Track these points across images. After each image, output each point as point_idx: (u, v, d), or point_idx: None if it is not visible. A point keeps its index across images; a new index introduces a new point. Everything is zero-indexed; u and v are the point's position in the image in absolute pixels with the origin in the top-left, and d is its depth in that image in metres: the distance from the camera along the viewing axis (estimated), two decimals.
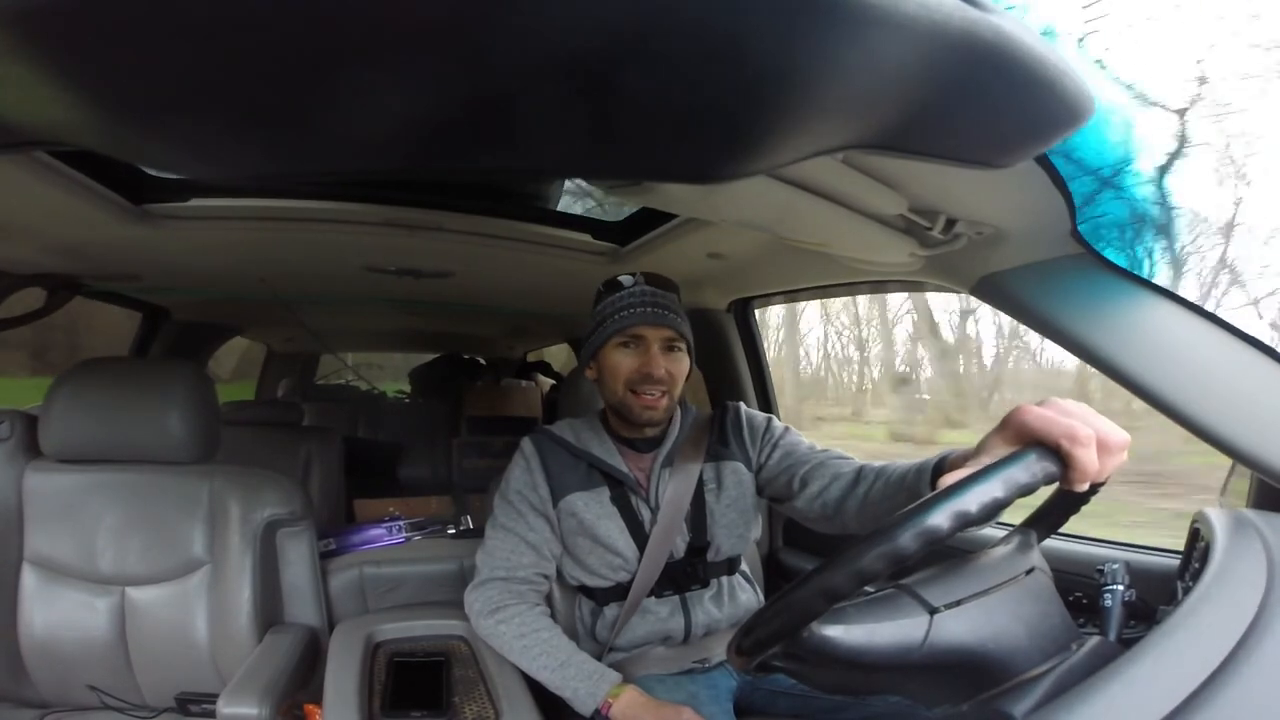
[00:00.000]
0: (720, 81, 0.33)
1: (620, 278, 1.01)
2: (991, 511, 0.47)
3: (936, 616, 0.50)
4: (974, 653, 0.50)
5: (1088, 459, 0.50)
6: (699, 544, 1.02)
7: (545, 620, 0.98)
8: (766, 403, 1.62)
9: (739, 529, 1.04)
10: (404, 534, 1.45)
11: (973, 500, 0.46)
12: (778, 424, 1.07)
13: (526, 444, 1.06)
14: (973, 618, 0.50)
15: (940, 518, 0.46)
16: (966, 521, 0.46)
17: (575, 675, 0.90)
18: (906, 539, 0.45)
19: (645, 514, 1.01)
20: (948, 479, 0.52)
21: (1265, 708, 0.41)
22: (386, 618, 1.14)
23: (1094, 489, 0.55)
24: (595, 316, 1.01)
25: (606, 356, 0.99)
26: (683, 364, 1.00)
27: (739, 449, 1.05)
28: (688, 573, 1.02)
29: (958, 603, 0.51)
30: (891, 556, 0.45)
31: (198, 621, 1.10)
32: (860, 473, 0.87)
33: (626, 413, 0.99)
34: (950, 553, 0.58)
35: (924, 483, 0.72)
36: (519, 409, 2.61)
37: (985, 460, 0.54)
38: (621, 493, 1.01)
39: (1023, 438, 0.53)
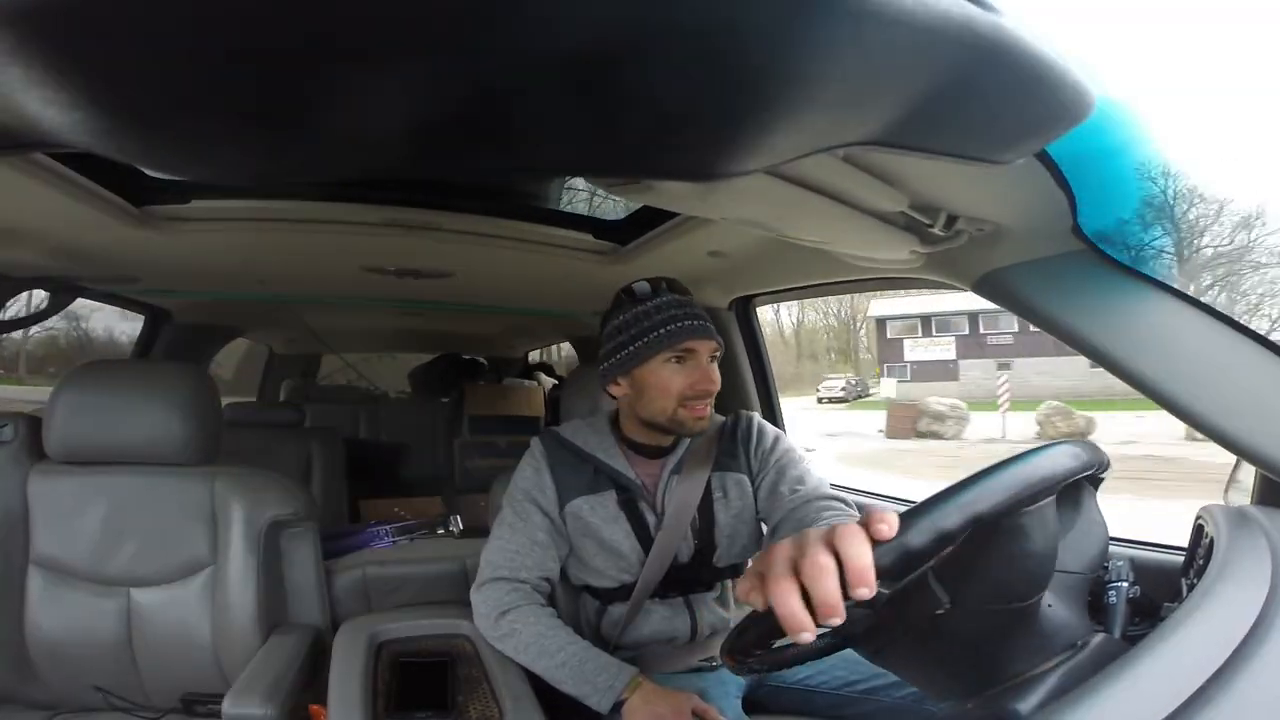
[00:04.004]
0: (720, 79, 0.33)
1: (635, 286, 0.99)
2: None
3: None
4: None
5: (782, 608, 0.45)
6: (705, 550, 1.02)
7: (557, 620, 0.98)
8: (769, 401, 1.62)
9: (745, 540, 1.04)
10: (390, 539, 1.45)
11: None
12: (784, 445, 1.06)
13: (536, 445, 1.06)
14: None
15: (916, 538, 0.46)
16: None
17: (594, 671, 0.90)
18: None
19: (651, 519, 1.01)
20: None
21: (1271, 703, 0.41)
22: (390, 618, 1.14)
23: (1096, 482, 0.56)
24: (626, 329, 0.97)
25: (653, 373, 0.96)
26: (719, 373, 1.00)
27: (745, 462, 1.05)
28: (693, 576, 1.03)
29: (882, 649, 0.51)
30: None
31: (202, 623, 1.11)
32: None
33: (678, 427, 0.97)
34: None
35: None
36: (522, 408, 2.61)
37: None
38: (628, 497, 1.01)
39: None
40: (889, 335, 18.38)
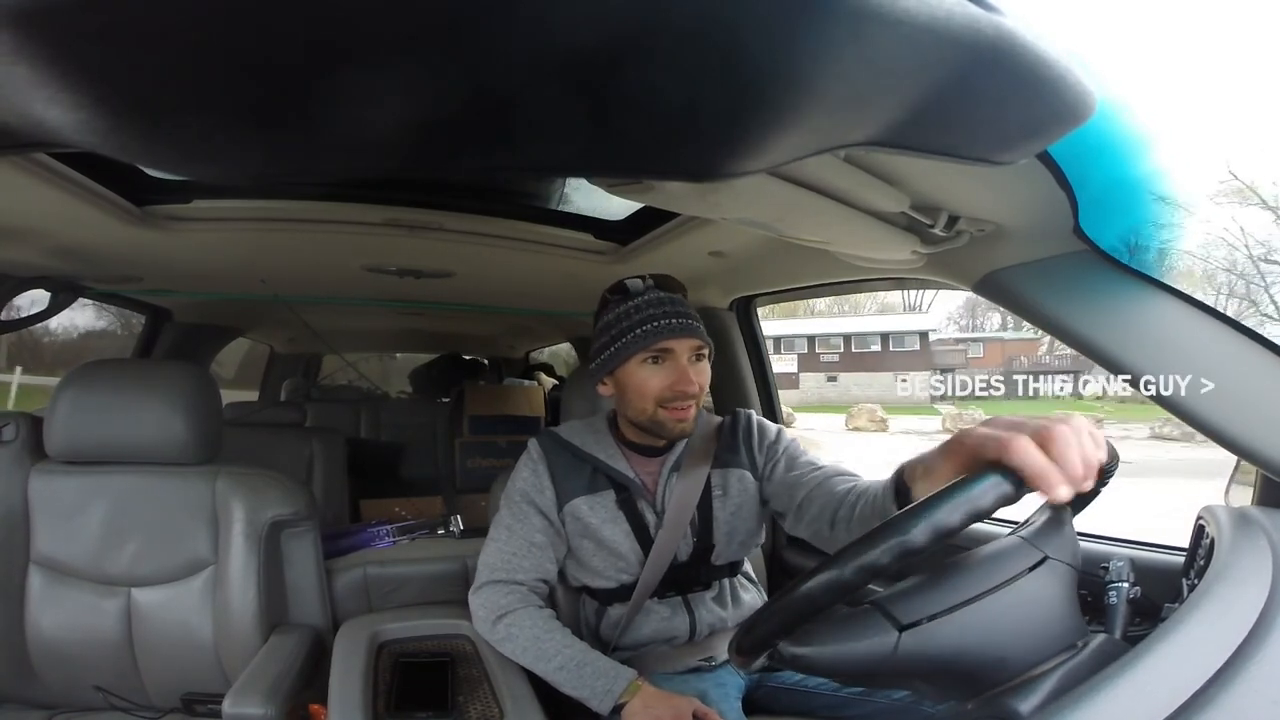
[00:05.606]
0: (721, 79, 0.33)
1: (627, 282, 0.98)
2: (968, 521, 0.49)
3: (905, 633, 0.51)
4: (949, 663, 0.51)
5: (1031, 462, 0.48)
6: (703, 548, 1.02)
7: (555, 622, 0.97)
8: (770, 401, 1.62)
9: (742, 536, 1.03)
10: (391, 539, 1.45)
11: (950, 512, 0.48)
12: (787, 436, 1.06)
13: (533, 446, 1.05)
14: (945, 630, 0.51)
15: (919, 532, 0.48)
16: (945, 534, 0.48)
17: (593, 675, 0.90)
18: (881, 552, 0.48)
19: (650, 518, 1.01)
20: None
21: (1271, 704, 0.41)
22: (391, 618, 1.14)
23: (1101, 483, 0.56)
24: (609, 329, 0.96)
25: (631, 374, 0.95)
26: (708, 372, 0.98)
27: (748, 457, 1.04)
28: (690, 575, 1.03)
29: (926, 620, 0.51)
30: (879, 561, 0.48)
31: (203, 622, 1.11)
32: (847, 495, 0.88)
33: (658, 429, 0.96)
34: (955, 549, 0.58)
35: (889, 502, 0.74)
36: (522, 408, 2.61)
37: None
38: (627, 497, 1.01)
39: (969, 462, 0.55)
40: None
